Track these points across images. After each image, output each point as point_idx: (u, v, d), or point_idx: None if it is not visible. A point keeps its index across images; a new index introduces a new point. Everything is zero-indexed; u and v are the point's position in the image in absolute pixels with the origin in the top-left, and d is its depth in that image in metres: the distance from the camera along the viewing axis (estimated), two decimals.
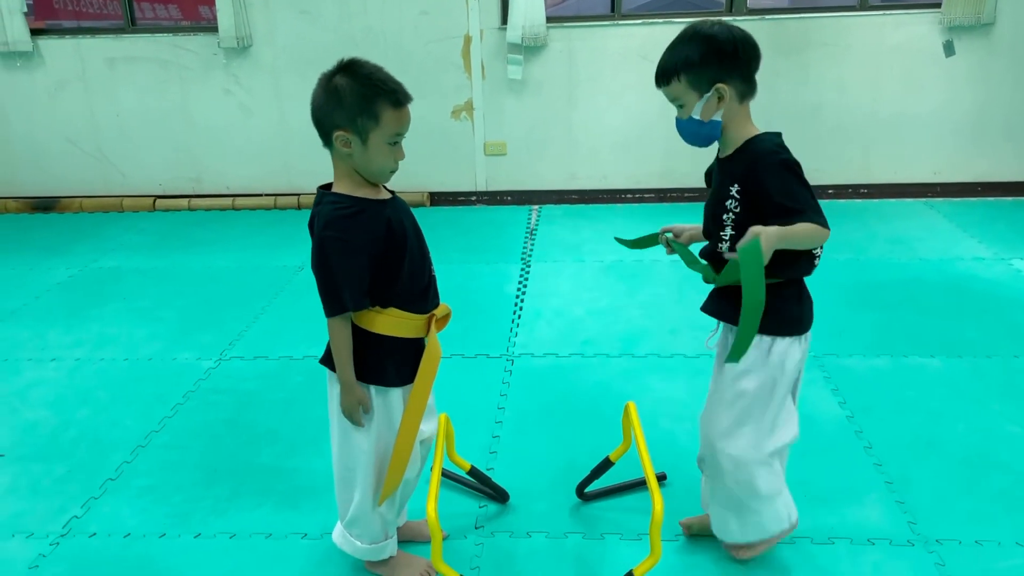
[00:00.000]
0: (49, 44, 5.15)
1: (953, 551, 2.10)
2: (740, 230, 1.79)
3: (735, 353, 1.77)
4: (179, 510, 2.37)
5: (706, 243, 1.95)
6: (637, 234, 2.14)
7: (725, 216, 1.82)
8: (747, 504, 1.96)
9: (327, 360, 1.86)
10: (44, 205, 5.41)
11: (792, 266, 1.81)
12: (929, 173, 5.04)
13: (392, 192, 1.86)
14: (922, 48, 4.81)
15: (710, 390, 2.01)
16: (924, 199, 5.04)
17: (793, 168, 1.74)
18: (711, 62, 1.74)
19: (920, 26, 4.77)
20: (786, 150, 1.77)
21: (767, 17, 4.81)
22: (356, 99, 1.68)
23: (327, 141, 1.75)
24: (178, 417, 2.87)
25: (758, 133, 1.81)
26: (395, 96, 1.71)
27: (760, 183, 1.74)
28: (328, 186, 1.81)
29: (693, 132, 1.82)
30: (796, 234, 1.71)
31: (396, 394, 1.87)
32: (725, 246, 1.84)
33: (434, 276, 1.91)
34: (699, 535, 2.17)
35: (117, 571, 2.14)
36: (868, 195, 5.02)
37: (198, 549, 2.21)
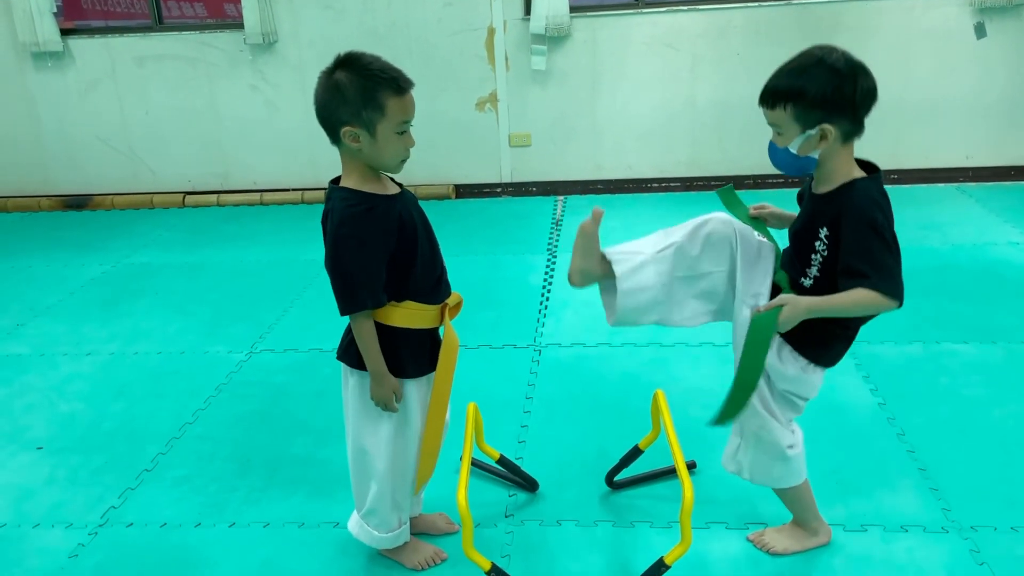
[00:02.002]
0: (79, 44, 5.22)
1: (988, 538, 2.08)
2: (826, 275, 1.74)
3: (721, 419, 1.77)
4: (214, 500, 2.41)
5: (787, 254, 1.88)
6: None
7: (813, 256, 1.75)
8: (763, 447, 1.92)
9: (344, 355, 1.88)
10: (76, 203, 5.50)
11: (818, 345, 1.78)
12: (961, 157, 4.97)
13: (400, 185, 1.86)
14: (953, 30, 4.73)
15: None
16: (956, 184, 4.96)
17: (881, 230, 1.64)
18: (824, 100, 1.63)
19: (950, 8, 4.69)
20: (881, 207, 1.66)
21: (795, 2, 4.75)
22: (359, 92, 1.67)
23: (335, 138, 1.74)
24: (211, 409, 2.91)
25: (858, 177, 1.70)
26: (396, 83, 1.69)
27: (844, 238, 1.66)
28: (338, 180, 1.80)
29: (786, 162, 1.74)
30: (837, 304, 1.65)
31: (410, 385, 1.89)
32: (808, 282, 1.78)
33: (444, 267, 1.92)
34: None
35: (154, 560, 2.18)
36: (898, 180, 4.95)
37: (233, 538, 2.24)
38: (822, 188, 1.75)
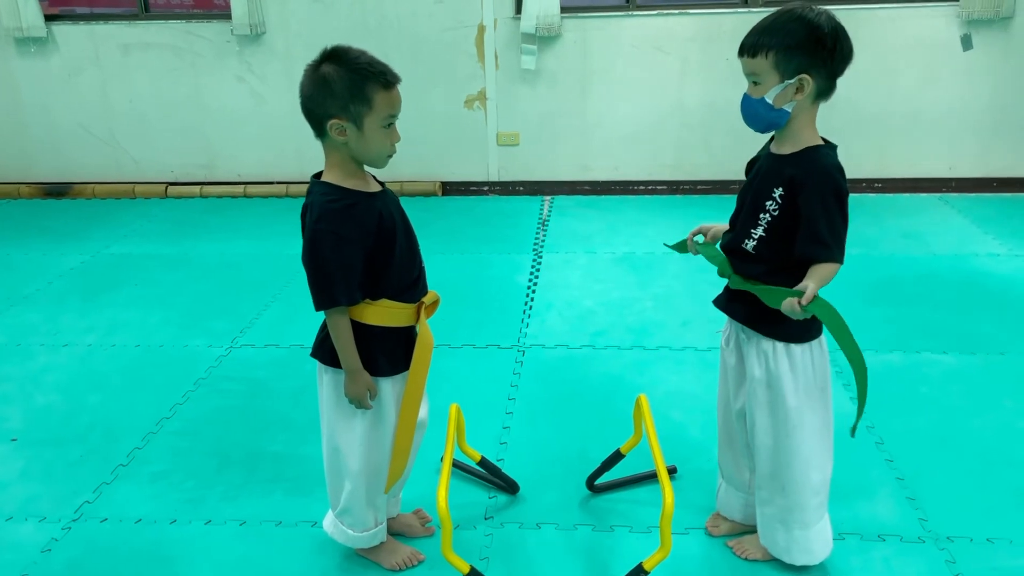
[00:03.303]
0: (63, 30, 5.16)
1: (964, 548, 2.09)
2: (772, 235, 1.78)
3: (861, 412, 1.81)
4: (190, 496, 2.38)
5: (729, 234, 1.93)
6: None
7: (761, 216, 1.79)
8: (794, 519, 1.95)
9: (317, 353, 1.88)
10: (57, 191, 5.43)
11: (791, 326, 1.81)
12: (944, 168, 5.00)
13: (382, 184, 1.86)
14: (939, 41, 4.76)
15: (728, 401, 2.02)
16: (939, 194, 5.00)
17: (842, 199, 1.72)
18: (805, 50, 1.68)
19: (938, 19, 4.72)
20: (843, 175, 1.73)
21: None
22: (346, 85, 1.68)
23: (320, 131, 1.74)
24: (189, 404, 2.88)
25: (820, 144, 1.76)
26: (384, 78, 1.70)
27: (807, 202, 1.71)
28: (320, 175, 1.80)
29: (758, 114, 1.76)
30: (822, 281, 1.72)
31: (385, 384, 1.88)
32: (751, 244, 1.82)
33: (423, 267, 1.91)
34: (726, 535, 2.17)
35: (128, 556, 2.15)
36: (882, 189, 4.98)
37: (209, 535, 2.22)
38: (784, 149, 1.79)
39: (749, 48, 1.74)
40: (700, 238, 2.02)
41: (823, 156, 1.73)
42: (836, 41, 1.70)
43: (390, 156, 1.78)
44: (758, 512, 2.03)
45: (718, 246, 1.94)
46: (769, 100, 1.73)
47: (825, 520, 1.99)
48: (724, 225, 1.97)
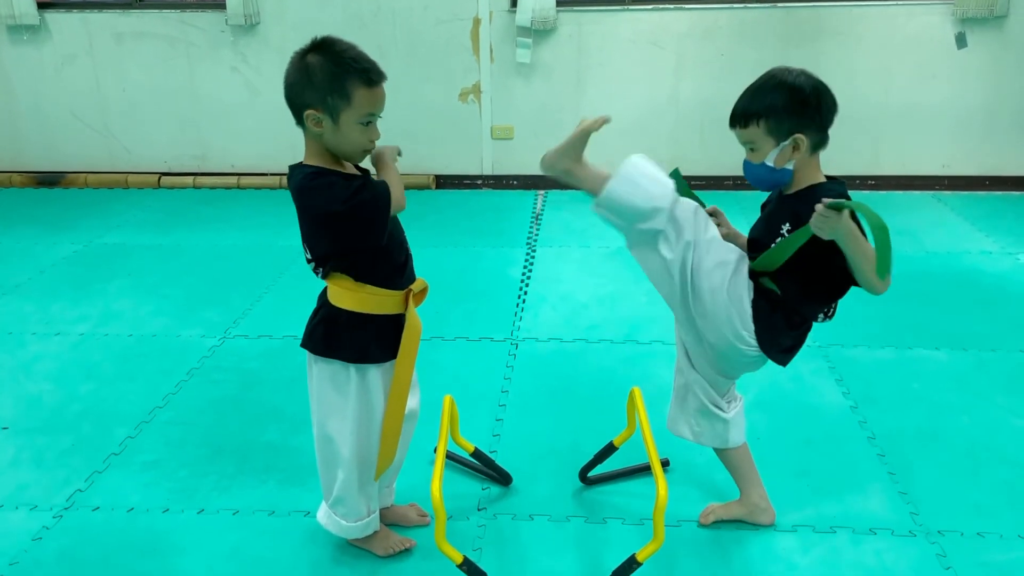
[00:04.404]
0: (56, 18, 5.12)
1: (955, 542, 2.11)
2: (783, 270, 1.81)
3: (882, 270, 1.67)
4: (183, 486, 2.37)
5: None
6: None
7: None
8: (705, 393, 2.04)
9: (307, 343, 1.87)
10: (49, 180, 5.40)
11: (817, 284, 1.81)
12: (938, 166, 5.02)
13: (365, 172, 1.85)
14: (934, 39, 4.77)
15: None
16: (932, 191, 5.02)
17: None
18: (793, 112, 1.76)
19: (933, 16, 4.73)
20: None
21: (779, 5, 4.77)
22: (327, 78, 1.67)
23: (298, 119, 1.74)
24: (182, 394, 2.87)
25: (824, 181, 1.83)
26: (367, 75, 1.69)
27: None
28: (298, 164, 1.80)
29: (762, 178, 1.85)
30: (862, 242, 1.66)
31: (374, 372, 1.88)
32: (765, 280, 1.86)
33: (410, 254, 1.91)
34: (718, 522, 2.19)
35: (120, 545, 2.14)
36: (876, 186, 5.00)
37: (201, 525, 2.21)
38: (790, 190, 1.86)
39: (740, 119, 1.82)
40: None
41: (826, 191, 1.78)
42: (819, 98, 1.78)
43: (367, 152, 1.77)
44: (673, 408, 2.14)
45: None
46: (770, 163, 1.81)
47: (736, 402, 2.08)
48: (740, 234, 1.99)
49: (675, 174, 2.00)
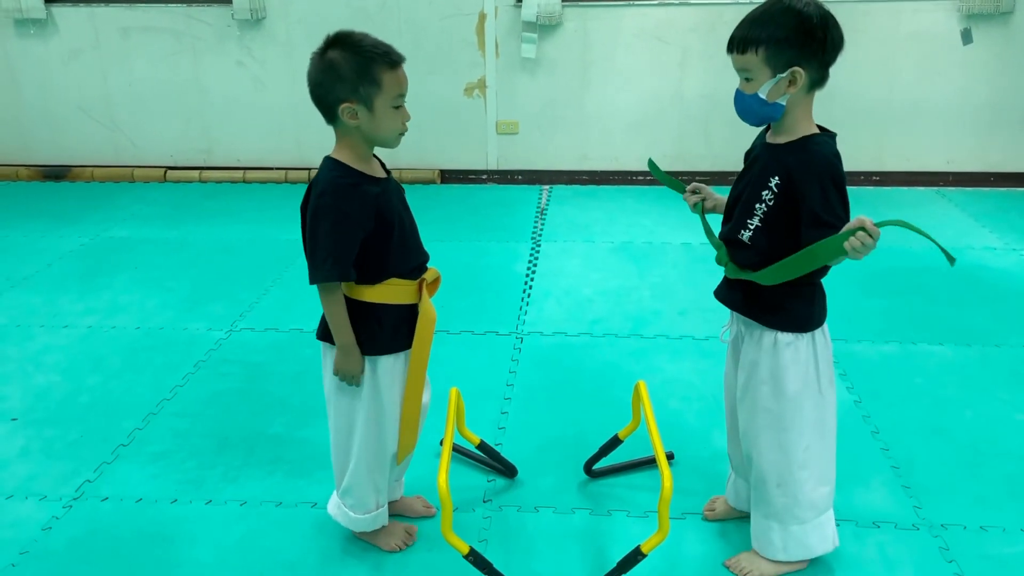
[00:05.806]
0: (63, 12, 5.14)
1: (958, 536, 2.12)
2: (768, 224, 1.76)
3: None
4: (190, 477, 2.39)
5: (723, 223, 1.93)
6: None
7: (757, 205, 1.77)
8: (791, 515, 1.91)
9: (323, 335, 1.89)
10: (56, 173, 5.42)
11: (795, 312, 1.80)
12: (942, 162, 5.02)
13: (388, 172, 1.89)
14: (939, 35, 4.77)
15: (734, 393, 1.99)
16: (936, 188, 5.02)
17: (841, 185, 1.69)
18: (795, 42, 1.64)
19: (938, 12, 4.73)
20: (840, 161, 1.71)
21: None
22: (353, 68, 1.71)
23: (332, 116, 1.77)
24: (189, 386, 2.89)
25: (816, 132, 1.74)
26: (389, 57, 1.74)
27: (806, 189, 1.68)
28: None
29: (752, 109, 1.73)
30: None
31: (385, 362, 1.89)
32: (747, 234, 1.80)
33: (427, 255, 1.95)
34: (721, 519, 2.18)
35: (129, 535, 2.16)
36: (880, 182, 5.00)
37: (209, 515, 2.23)
38: (780, 139, 1.76)
39: (738, 44, 1.71)
40: (699, 206, 2.02)
41: (820, 144, 1.72)
42: (826, 30, 1.66)
43: (401, 135, 1.81)
44: (753, 516, 1.99)
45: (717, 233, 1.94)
46: (763, 95, 1.70)
47: (826, 517, 1.95)
48: (722, 197, 1.96)
49: (651, 164, 2.03)
